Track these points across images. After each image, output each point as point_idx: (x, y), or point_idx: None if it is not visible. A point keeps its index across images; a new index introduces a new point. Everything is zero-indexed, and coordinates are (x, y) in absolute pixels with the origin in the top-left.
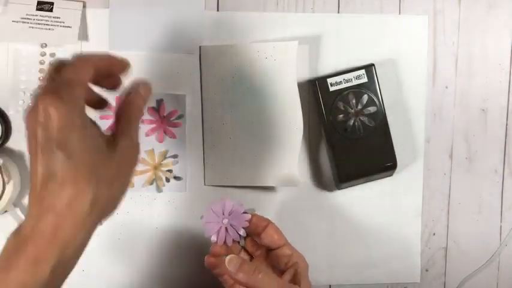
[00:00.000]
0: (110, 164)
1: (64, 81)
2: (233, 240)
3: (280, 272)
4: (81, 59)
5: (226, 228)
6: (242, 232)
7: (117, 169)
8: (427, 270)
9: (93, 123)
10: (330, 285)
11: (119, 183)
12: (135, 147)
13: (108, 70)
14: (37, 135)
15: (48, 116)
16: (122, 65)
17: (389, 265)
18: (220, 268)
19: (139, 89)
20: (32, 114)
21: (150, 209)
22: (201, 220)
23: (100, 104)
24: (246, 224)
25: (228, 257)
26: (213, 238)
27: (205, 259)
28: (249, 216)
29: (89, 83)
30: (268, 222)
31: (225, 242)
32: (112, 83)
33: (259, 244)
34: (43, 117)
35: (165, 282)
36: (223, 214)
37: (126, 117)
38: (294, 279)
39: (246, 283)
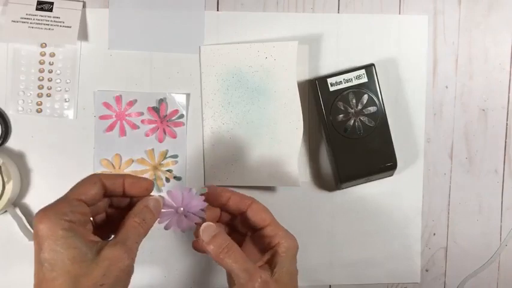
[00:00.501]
0: (93, 271)
1: (63, 196)
2: (196, 223)
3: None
4: (89, 177)
5: (185, 216)
6: (201, 213)
7: (102, 276)
8: (427, 270)
9: (81, 232)
10: (330, 285)
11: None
12: (124, 258)
13: (129, 191)
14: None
15: (37, 229)
16: (143, 186)
17: (389, 265)
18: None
19: (150, 204)
20: None
21: None
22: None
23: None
24: (204, 205)
25: (204, 224)
26: (175, 228)
27: (193, 243)
28: (202, 197)
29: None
30: (252, 200)
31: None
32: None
33: (248, 225)
34: (34, 231)
35: (164, 280)
36: (176, 204)
37: (127, 226)
38: (271, 261)
39: (213, 257)
